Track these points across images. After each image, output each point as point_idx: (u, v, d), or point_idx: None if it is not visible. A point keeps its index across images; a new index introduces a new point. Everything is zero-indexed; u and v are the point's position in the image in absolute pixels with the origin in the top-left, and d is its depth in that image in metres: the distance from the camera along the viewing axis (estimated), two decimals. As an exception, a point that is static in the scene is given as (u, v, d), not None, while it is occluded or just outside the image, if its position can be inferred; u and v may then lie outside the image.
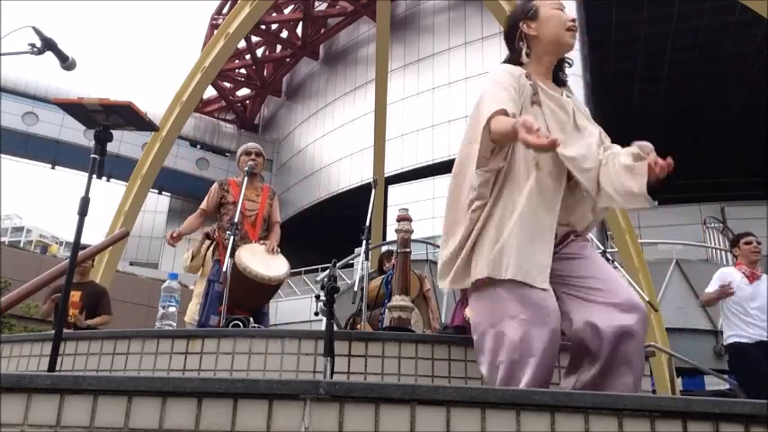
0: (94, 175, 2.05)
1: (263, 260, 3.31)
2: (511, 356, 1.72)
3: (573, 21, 1.95)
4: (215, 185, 3.90)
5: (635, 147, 1.84)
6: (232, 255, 3.16)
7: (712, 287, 4.11)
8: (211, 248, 4.10)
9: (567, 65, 2.07)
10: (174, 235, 3.62)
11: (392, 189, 16.80)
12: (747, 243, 4.15)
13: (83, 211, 2.01)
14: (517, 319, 1.73)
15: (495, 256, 1.79)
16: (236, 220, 3.36)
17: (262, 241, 3.63)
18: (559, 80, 2.05)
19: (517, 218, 1.80)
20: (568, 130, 1.93)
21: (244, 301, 3.30)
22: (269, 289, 3.33)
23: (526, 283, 1.74)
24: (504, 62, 2.05)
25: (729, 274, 4.13)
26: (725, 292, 3.96)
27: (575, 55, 16.69)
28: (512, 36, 2.03)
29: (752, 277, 4.03)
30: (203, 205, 3.82)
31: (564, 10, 1.98)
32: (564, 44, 1.96)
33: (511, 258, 1.76)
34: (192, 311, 4.35)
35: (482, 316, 1.85)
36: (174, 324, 3.12)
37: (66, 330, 3.19)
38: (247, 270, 3.12)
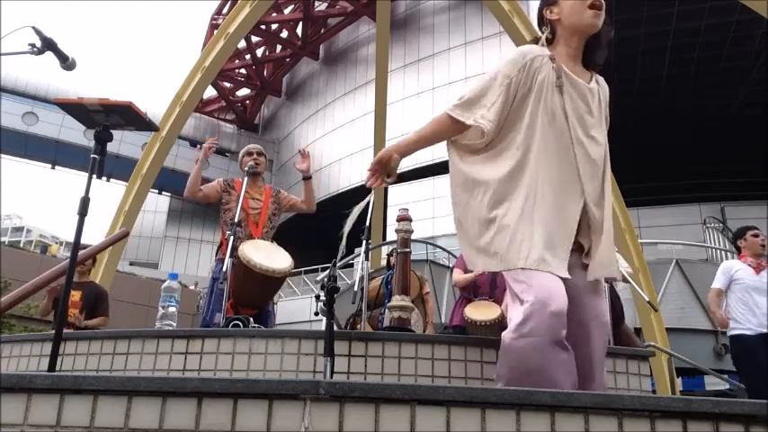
0: (94, 175, 2.05)
1: (266, 254, 3.31)
2: (512, 336, 1.75)
3: None
4: (219, 180, 3.94)
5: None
6: (232, 254, 3.16)
7: (718, 282, 4.11)
8: (215, 248, 4.12)
9: (602, 49, 1.99)
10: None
11: (392, 189, 16.81)
12: (755, 236, 4.14)
13: (83, 211, 2.01)
14: (526, 302, 1.75)
15: (514, 244, 1.81)
16: (236, 219, 3.37)
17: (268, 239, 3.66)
18: (591, 63, 2.01)
19: (538, 203, 1.82)
20: (588, 123, 1.93)
21: (250, 296, 3.30)
22: (274, 282, 3.33)
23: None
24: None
25: (734, 266, 4.12)
26: (723, 323, 4.02)
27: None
28: (540, 25, 2.04)
29: (758, 268, 4.02)
30: (203, 187, 3.86)
31: None
32: (585, 23, 1.91)
33: (532, 249, 1.77)
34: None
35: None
36: (174, 324, 3.12)
37: (65, 330, 3.20)
38: (251, 263, 3.12)
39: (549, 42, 1.98)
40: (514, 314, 1.78)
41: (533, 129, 1.86)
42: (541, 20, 2.02)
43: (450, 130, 1.95)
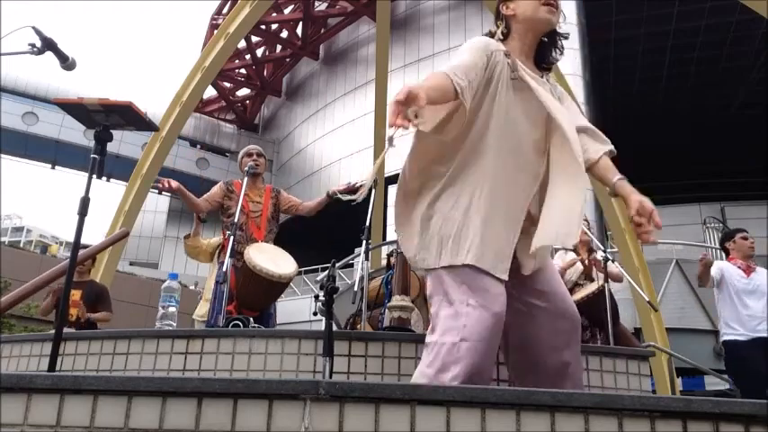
0: (94, 175, 2.05)
1: (271, 258, 3.32)
2: (452, 339, 1.69)
3: None
4: (220, 183, 3.92)
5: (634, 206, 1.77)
6: (232, 255, 3.16)
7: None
8: (218, 251, 4.11)
9: (557, 50, 2.01)
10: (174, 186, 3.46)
11: (392, 189, 16.78)
12: (744, 238, 4.12)
13: (83, 211, 2.01)
14: (465, 303, 1.71)
15: (455, 240, 1.77)
16: (236, 220, 3.37)
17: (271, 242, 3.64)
18: (542, 66, 2.02)
19: (484, 200, 1.78)
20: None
21: (253, 300, 3.31)
22: (279, 287, 3.34)
23: (482, 270, 1.74)
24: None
25: (724, 267, 4.09)
26: (705, 263, 3.95)
27: (575, 55, 16.79)
28: (496, 19, 2.04)
29: (748, 270, 4.00)
30: (205, 196, 3.83)
31: None
32: (539, 19, 1.92)
33: (473, 246, 1.75)
34: (199, 314, 4.33)
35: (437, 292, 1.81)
36: (174, 324, 3.12)
37: (66, 330, 3.20)
38: (257, 268, 3.13)
39: (504, 38, 1.97)
40: (447, 314, 1.73)
41: (486, 125, 1.83)
42: (498, 15, 2.03)
43: (447, 95, 1.76)
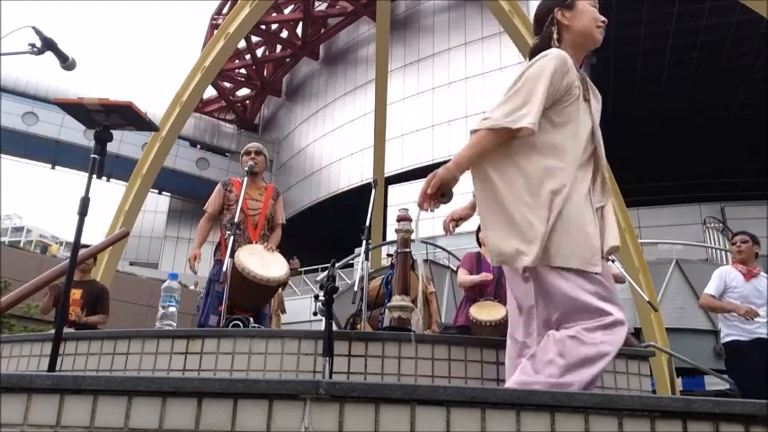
0: (94, 175, 2.05)
1: (261, 261, 3.31)
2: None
3: (604, 21, 1.99)
4: (218, 186, 3.89)
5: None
6: (232, 254, 3.16)
7: (712, 288, 4.09)
8: (213, 248, 4.11)
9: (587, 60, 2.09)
10: (195, 255, 3.64)
11: (392, 189, 16.80)
12: (733, 243, 4.25)
13: (83, 211, 2.01)
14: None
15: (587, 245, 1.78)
16: (236, 219, 3.36)
17: (264, 243, 3.63)
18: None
19: (589, 205, 1.84)
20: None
21: (243, 301, 3.31)
22: (267, 290, 3.33)
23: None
24: (534, 45, 2.02)
25: (728, 272, 4.12)
26: (733, 308, 3.93)
27: (575, 55, 16.75)
28: (542, 20, 2.02)
29: (748, 275, 4.03)
30: (208, 208, 3.81)
31: (597, 8, 2.01)
32: (593, 39, 1.99)
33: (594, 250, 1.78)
34: None
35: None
36: (174, 324, 3.12)
37: (66, 330, 3.19)
38: (245, 270, 3.13)
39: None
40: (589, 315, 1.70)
41: (577, 133, 1.88)
42: (543, 17, 2.01)
43: (497, 141, 1.81)
